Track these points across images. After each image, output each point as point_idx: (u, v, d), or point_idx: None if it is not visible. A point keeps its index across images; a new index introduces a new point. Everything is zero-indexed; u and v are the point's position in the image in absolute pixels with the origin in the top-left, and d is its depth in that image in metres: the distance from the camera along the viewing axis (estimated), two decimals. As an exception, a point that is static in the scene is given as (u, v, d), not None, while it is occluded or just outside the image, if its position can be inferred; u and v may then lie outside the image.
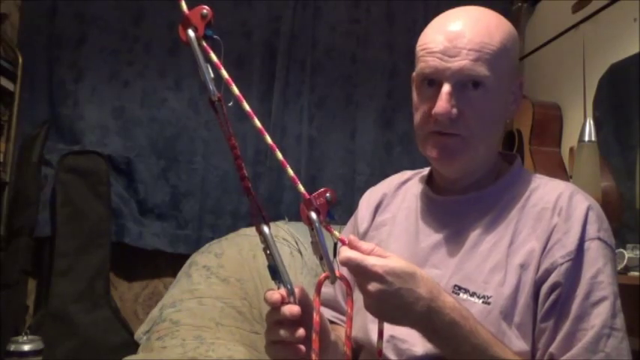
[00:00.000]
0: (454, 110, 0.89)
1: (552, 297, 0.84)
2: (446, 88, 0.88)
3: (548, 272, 0.85)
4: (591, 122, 1.84)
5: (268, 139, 0.75)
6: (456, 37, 0.89)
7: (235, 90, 0.73)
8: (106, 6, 2.42)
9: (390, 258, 0.78)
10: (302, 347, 0.80)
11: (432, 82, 0.91)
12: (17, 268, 2.18)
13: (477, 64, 0.88)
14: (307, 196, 0.77)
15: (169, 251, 2.41)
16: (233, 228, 2.39)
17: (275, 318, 0.80)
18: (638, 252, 1.59)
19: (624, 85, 1.86)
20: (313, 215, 0.77)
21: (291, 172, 0.76)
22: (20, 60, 2.26)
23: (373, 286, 0.75)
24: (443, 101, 0.88)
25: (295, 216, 2.39)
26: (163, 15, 2.44)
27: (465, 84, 0.89)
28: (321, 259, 0.79)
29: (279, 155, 0.76)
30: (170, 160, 2.45)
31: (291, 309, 0.79)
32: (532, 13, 2.55)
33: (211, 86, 0.71)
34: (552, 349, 0.84)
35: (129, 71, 2.44)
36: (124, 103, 2.44)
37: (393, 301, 0.76)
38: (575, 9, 2.16)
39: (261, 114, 2.52)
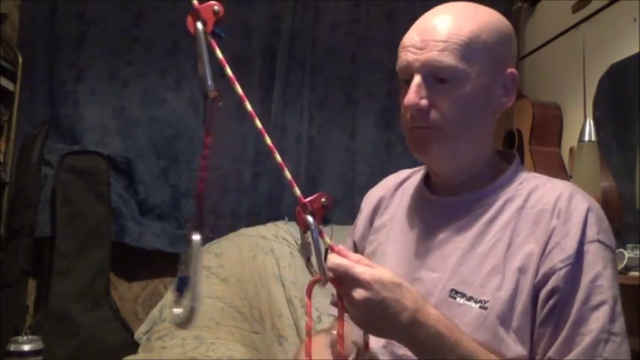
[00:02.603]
0: (423, 101, 0.89)
1: (551, 302, 0.83)
2: (415, 79, 0.90)
3: (547, 277, 0.84)
4: (591, 122, 1.84)
5: (268, 141, 0.75)
6: (425, 30, 0.90)
7: (239, 89, 0.73)
8: (106, 6, 2.42)
9: (377, 268, 0.79)
10: None
11: (408, 77, 0.92)
12: (17, 268, 2.18)
13: (443, 54, 0.88)
14: (303, 200, 0.77)
15: (169, 251, 2.41)
16: (233, 228, 2.39)
17: None
18: (638, 252, 1.59)
19: (624, 85, 1.86)
20: (310, 218, 0.77)
21: (288, 175, 0.77)
22: (20, 60, 2.26)
23: (359, 294, 0.75)
24: (412, 93, 0.89)
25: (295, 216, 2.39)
26: (163, 15, 2.44)
27: (435, 76, 0.89)
28: (307, 260, 0.79)
29: (278, 157, 0.76)
30: (170, 160, 2.45)
31: None
32: (532, 13, 2.55)
33: (210, 82, 0.70)
34: (550, 353, 0.83)
35: (129, 71, 2.44)
36: (124, 103, 2.44)
37: (379, 310, 0.76)
38: (575, 9, 2.16)
39: (261, 114, 2.50)
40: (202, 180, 0.71)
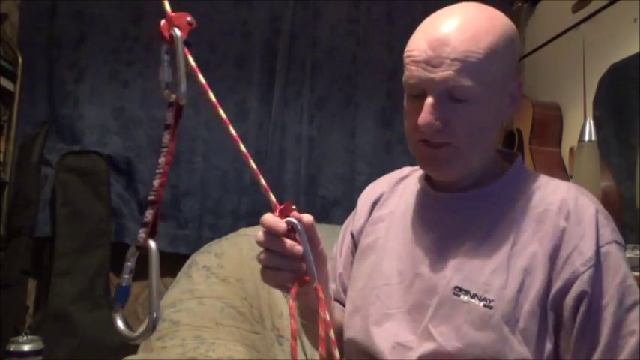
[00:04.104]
0: (437, 122, 0.87)
1: (582, 309, 0.83)
2: (429, 100, 0.87)
3: (570, 282, 0.83)
4: (591, 122, 1.84)
5: (242, 148, 0.76)
6: (439, 45, 0.85)
7: (212, 97, 0.74)
8: (106, 6, 2.42)
9: None
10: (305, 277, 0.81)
11: (418, 92, 0.89)
12: (17, 268, 2.18)
13: (461, 74, 0.84)
14: (278, 206, 0.80)
15: (169, 251, 2.41)
16: (233, 228, 2.39)
17: (274, 247, 0.80)
18: (638, 252, 1.59)
19: (624, 85, 1.86)
20: (294, 220, 0.79)
21: (263, 182, 0.78)
22: (20, 60, 2.27)
23: None
24: (426, 113, 0.86)
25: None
26: (163, 15, 2.43)
27: (450, 95, 0.87)
28: None
29: (253, 165, 0.77)
30: (170, 160, 2.45)
31: (297, 249, 0.79)
32: (532, 13, 2.55)
33: (184, 87, 0.70)
34: None
35: (129, 71, 2.44)
36: (124, 103, 2.44)
37: None
38: (575, 9, 2.16)
39: (261, 114, 2.52)
40: (163, 185, 0.73)
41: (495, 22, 0.89)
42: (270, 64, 2.54)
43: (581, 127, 1.85)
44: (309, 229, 0.81)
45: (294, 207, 0.80)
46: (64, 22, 2.40)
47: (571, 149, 2.07)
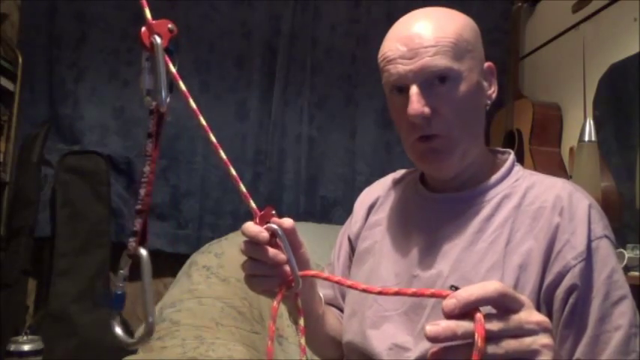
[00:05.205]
0: (426, 109, 0.88)
1: (571, 301, 0.83)
2: (413, 89, 0.88)
3: (561, 275, 0.84)
4: (591, 122, 1.84)
5: (222, 155, 0.77)
6: (410, 39, 0.90)
7: (192, 104, 0.75)
8: (106, 6, 2.42)
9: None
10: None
11: (400, 89, 0.91)
12: (17, 268, 2.18)
13: (437, 58, 0.88)
14: (258, 213, 0.82)
15: (169, 251, 2.41)
16: (233, 228, 2.39)
17: (257, 256, 0.83)
18: (638, 252, 1.60)
19: (624, 85, 1.86)
20: (275, 226, 0.80)
21: (243, 188, 0.79)
22: (20, 60, 2.27)
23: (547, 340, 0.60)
24: (413, 102, 0.88)
25: (296, 216, 2.39)
26: (162, 15, 2.43)
27: (432, 81, 0.88)
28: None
29: (233, 171, 0.78)
30: (170, 160, 2.45)
31: (280, 256, 0.81)
32: (532, 13, 2.55)
33: (164, 95, 0.71)
34: (578, 354, 0.82)
35: (129, 71, 2.44)
36: (124, 103, 2.44)
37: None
38: (575, 9, 2.16)
39: (261, 114, 2.52)
40: (149, 194, 0.73)
41: (455, 15, 0.95)
42: (270, 64, 2.54)
43: (581, 127, 1.86)
44: (290, 234, 0.82)
45: (273, 212, 0.81)
46: (64, 22, 2.40)
47: (571, 149, 2.07)
